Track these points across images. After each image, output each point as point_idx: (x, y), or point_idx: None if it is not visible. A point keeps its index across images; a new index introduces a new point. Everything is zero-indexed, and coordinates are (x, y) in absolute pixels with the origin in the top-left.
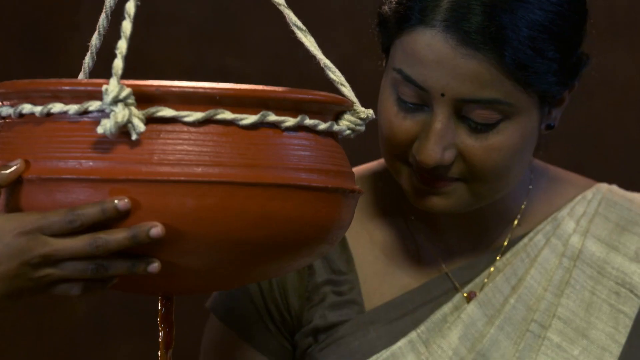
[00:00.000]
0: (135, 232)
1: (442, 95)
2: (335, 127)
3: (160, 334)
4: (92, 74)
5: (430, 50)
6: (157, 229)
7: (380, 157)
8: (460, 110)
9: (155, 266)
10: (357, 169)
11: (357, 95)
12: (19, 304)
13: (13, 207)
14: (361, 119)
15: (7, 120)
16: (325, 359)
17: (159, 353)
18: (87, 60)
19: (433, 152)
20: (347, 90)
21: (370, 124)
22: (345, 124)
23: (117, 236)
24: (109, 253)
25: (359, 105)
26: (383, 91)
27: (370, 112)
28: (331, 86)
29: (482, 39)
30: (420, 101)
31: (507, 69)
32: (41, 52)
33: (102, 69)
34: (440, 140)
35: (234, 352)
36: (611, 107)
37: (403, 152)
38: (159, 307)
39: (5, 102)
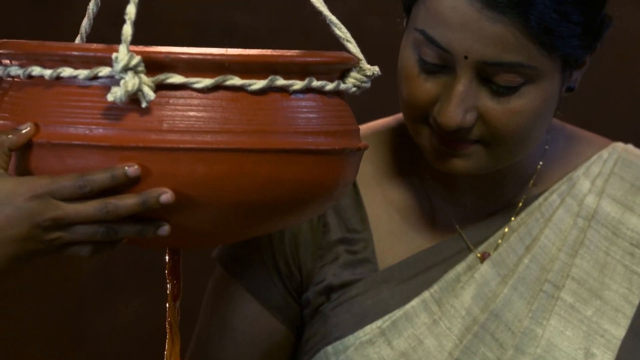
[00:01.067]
0: (145, 198)
1: (465, 57)
2: (342, 86)
3: (168, 286)
4: (101, 27)
5: (455, 12)
6: (167, 195)
7: (393, 113)
8: (483, 73)
9: (165, 229)
10: (373, 125)
11: (362, 52)
12: (29, 265)
13: (23, 170)
14: (367, 76)
15: (15, 80)
16: (338, 318)
17: (167, 305)
18: (85, 25)
19: (454, 114)
20: (352, 47)
21: (376, 79)
22: (351, 81)
23: (127, 202)
24: (119, 218)
25: (365, 63)
26: (403, 51)
27: (376, 69)
28: (337, 42)
29: (508, 2)
30: (442, 62)
31: (531, 33)
32: (46, 4)
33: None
34: (461, 103)
35: (236, 301)
36: (618, 62)
37: (423, 114)
38: (167, 260)
39: (14, 62)
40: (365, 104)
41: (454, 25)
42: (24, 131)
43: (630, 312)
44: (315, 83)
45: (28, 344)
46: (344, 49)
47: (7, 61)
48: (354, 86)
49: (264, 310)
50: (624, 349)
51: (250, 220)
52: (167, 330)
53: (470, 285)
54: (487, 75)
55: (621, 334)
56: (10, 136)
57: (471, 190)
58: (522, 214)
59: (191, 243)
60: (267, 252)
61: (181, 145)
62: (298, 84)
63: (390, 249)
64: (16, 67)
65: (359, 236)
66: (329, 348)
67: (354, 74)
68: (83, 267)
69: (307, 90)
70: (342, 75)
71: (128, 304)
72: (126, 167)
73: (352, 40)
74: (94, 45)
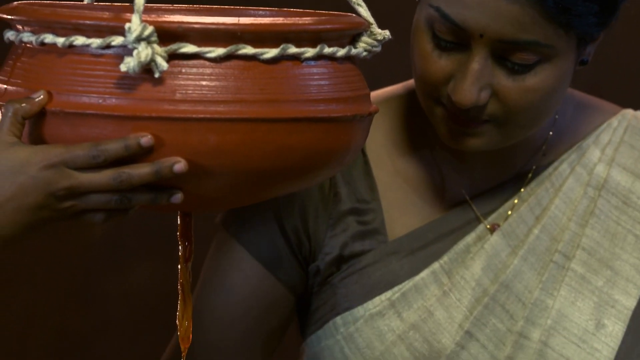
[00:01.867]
0: (159, 167)
1: (481, 36)
2: (353, 51)
3: (180, 248)
4: None
5: None
6: (180, 165)
7: (402, 79)
8: (498, 51)
9: (177, 197)
10: (382, 92)
11: (373, 16)
12: (43, 232)
13: (37, 138)
14: (378, 40)
15: (28, 46)
16: (347, 289)
17: (179, 267)
18: None
19: (469, 92)
20: (363, 11)
21: (387, 42)
22: (362, 46)
23: (140, 171)
24: (133, 187)
25: (376, 27)
26: (417, 27)
27: (386, 33)
28: (347, 6)
29: None
30: (457, 40)
31: (549, 12)
32: None
33: None
34: (477, 81)
35: (239, 264)
36: (628, 27)
37: (437, 91)
38: (178, 223)
39: (26, 28)
40: (374, 68)
41: (470, 3)
42: (37, 99)
43: None
44: (327, 50)
45: (38, 308)
46: (354, 11)
47: (20, 27)
48: (365, 51)
49: (265, 271)
50: (635, 319)
51: (261, 186)
52: (179, 292)
53: (480, 256)
54: (502, 53)
55: (632, 304)
56: (24, 105)
57: (481, 161)
58: (532, 184)
59: (203, 207)
60: (276, 218)
61: (194, 115)
62: (310, 52)
63: (400, 220)
64: (29, 34)
65: (368, 206)
66: (338, 319)
67: (365, 38)
68: (93, 231)
69: (319, 57)
70: (353, 40)
71: (137, 267)
72: (140, 137)
73: (362, 4)
74: (107, 14)
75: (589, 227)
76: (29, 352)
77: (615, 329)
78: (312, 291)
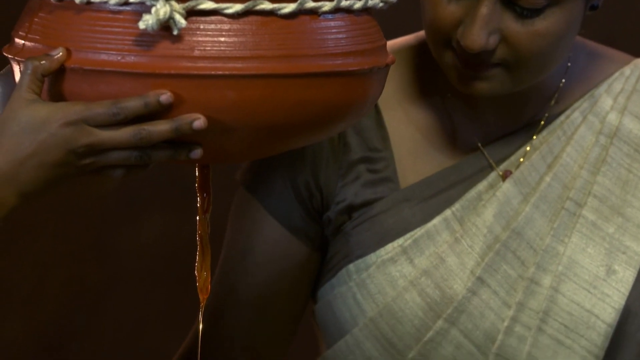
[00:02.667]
0: (178, 124)
1: None
2: (370, 3)
3: (198, 199)
4: None
5: None
6: (199, 121)
7: (415, 31)
8: None
9: (197, 152)
10: (394, 43)
11: None
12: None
13: (56, 95)
14: None
15: (45, 1)
16: (359, 236)
17: (198, 218)
18: None
19: (478, 37)
20: None
21: None
22: None
23: (160, 128)
24: (152, 144)
25: None
26: None
27: None
28: None
29: None
30: None
31: None
32: None
33: None
34: (485, 26)
35: (257, 221)
36: None
37: (447, 37)
38: (197, 175)
39: None
40: (386, 20)
41: None
42: (56, 57)
43: None
44: (344, 2)
45: (53, 259)
46: None
47: None
48: (381, 1)
49: (285, 231)
50: None
51: (280, 140)
52: (198, 243)
53: (492, 203)
54: None
55: None
56: (43, 62)
57: (493, 109)
58: (544, 132)
59: (221, 160)
60: (288, 175)
61: (212, 72)
62: (327, 5)
63: (412, 168)
64: None
65: (379, 155)
66: (351, 266)
67: None
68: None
69: (336, 10)
70: None
71: (151, 219)
72: (159, 95)
73: None
74: None
75: (601, 174)
76: (44, 302)
77: (625, 275)
78: (327, 240)
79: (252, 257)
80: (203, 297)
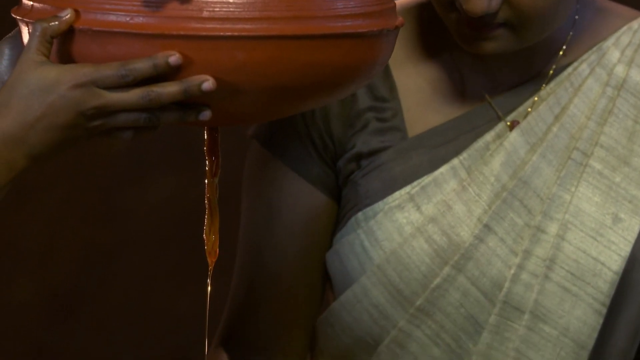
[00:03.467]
0: (187, 85)
1: None
2: None
3: (207, 163)
4: None
5: None
6: (208, 83)
7: None
8: None
9: (206, 114)
10: (402, 1)
11: None
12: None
13: (65, 57)
14: None
15: None
16: (368, 185)
17: (206, 181)
18: None
19: (480, 1)
20: None
21: None
22: None
23: (169, 89)
24: (161, 105)
25: None
26: None
27: None
28: None
29: None
30: None
31: None
32: None
33: None
34: None
35: (276, 178)
36: None
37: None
38: (205, 138)
39: None
40: None
41: None
42: (64, 18)
43: None
44: None
45: (63, 220)
46: None
47: None
48: None
49: (305, 183)
50: None
51: (289, 102)
52: (207, 207)
53: (499, 153)
54: None
55: None
56: (51, 23)
57: (500, 61)
58: (552, 84)
59: (230, 123)
60: (300, 127)
61: (221, 33)
62: None
63: (420, 118)
64: None
65: (387, 105)
66: (360, 214)
67: None
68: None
69: None
70: None
71: (160, 181)
72: (168, 56)
73: None
74: None
75: (608, 125)
76: (55, 264)
77: (632, 223)
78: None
79: (277, 216)
80: (211, 261)
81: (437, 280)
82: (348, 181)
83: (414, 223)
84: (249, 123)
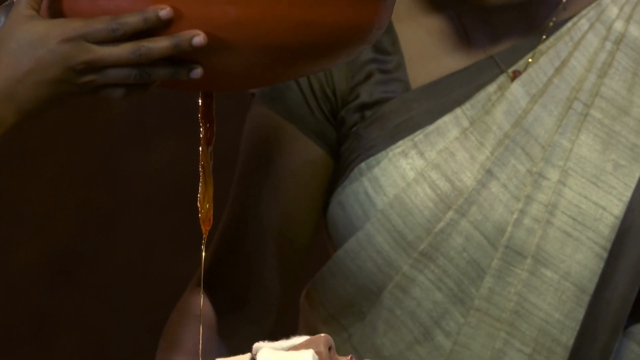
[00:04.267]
0: (178, 40)
1: None
2: None
3: (201, 130)
4: None
5: None
6: (199, 38)
7: None
8: None
9: (197, 72)
10: None
11: None
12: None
13: (55, 12)
14: None
15: None
16: (371, 135)
17: (200, 149)
18: None
19: None
20: None
21: None
22: None
23: (160, 44)
24: (152, 61)
25: None
26: None
27: None
28: None
29: None
30: None
31: None
32: None
33: None
34: None
35: (277, 133)
36: None
37: None
38: (199, 104)
39: None
40: None
41: None
42: None
43: None
44: None
45: (63, 184)
46: None
47: None
48: None
49: (302, 135)
50: None
51: (283, 64)
52: (201, 174)
53: (500, 103)
54: None
55: None
56: None
57: (502, 15)
58: (552, 38)
59: (224, 86)
60: (303, 81)
61: None
62: None
63: (422, 70)
64: None
65: (390, 57)
66: (363, 165)
67: None
68: (116, 110)
69: None
70: None
71: (161, 146)
72: (158, 10)
73: None
74: None
75: (608, 77)
76: (56, 227)
77: (632, 169)
78: (340, 144)
79: (271, 164)
80: (205, 229)
81: (441, 225)
82: (350, 133)
83: (417, 169)
84: (243, 88)
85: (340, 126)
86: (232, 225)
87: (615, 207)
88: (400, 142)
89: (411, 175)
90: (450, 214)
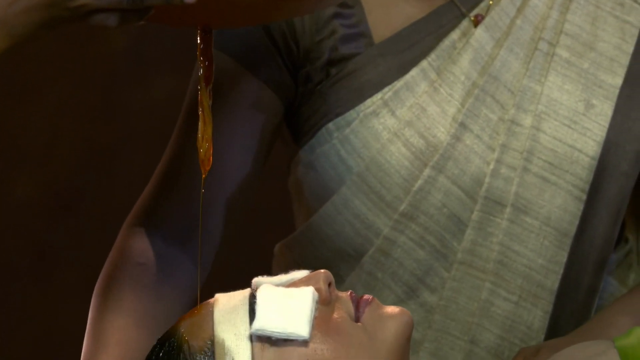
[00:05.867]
0: None
1: None
2: None
3: (200, 68)
4: None
5: None
6: None
7: None
8: None
9: None
10: None
11: None
12: (54, 32)
13: None
14: None
15: None
16: (337, 94)
17: (199, 87)
18: None
19: None
20: None
21: None
22: None
23: None
24: None
25: None
26: None
27: None
28: None
29: None
30: None
31: None
32: None
33: None
34: None
35: (237, 83)
36: None
37: None
38: (198, 42)
39: None
40: None
41: None
42: None
43: (625, 60)
44: None
45: (63, 119)
46: None
47: None
48: None
49: (255, 79)
50: (622, 97)
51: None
52: (199, 113)
53: (466, 50)
54: None
55: (618, 83)
56: None
57: None
58: None
59: (222, 21)
60: (264, 28)
61: None
62: None
63: (384, 22)
64: None
65: (351, 11)
66: (331, 125)
67: None
68: (116, 45)
69: None
70: None
71: (161, 81)
72: None
73: None
74: None
75: (570, 12)
76: (56, 161)
77: (604, 108)
78: (301, 101)
79: (222, 107)
80: (205, 169)
81: (419, 183)
82: (315, 91)
83: (390, 128)
84: (240, 24)
85: (305, 83)
86: (173, 162)
87: (591, 148)
88: (369, 101)
89: (385, 136)
90: (427, 171)
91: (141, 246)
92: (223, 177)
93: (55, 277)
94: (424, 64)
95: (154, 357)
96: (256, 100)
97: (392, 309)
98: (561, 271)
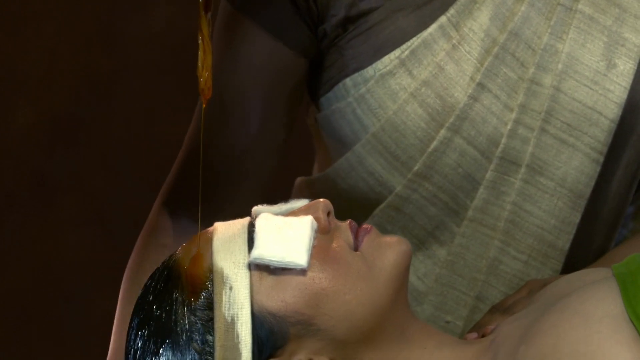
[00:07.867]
0: None
1: None
2: None
3: None
4: None
5: None
6: None
7: None
8: None
9: None
10: None
11: None
12: None
13: None
14: None
15: None
16: (355, 49)
17: (199, 16)
18: None
19: None
20: None
21: None
22: None
23: None
24: None
25: None
26: None
27: None
28: None
29: None
30: None
31: None
32: None
33: None
34: None
35: (252, 37)
36: None
37: None
38: None
39: None
40: None
41: None
42: None
43: None
44: None
45: (61, 49)
46: None
47: None
48: None
49: (275, 41)
50: None
51: None
52: (199, 42)
53: (486, 5)
54: None
55: None
56: None
57: None
58: None
59: None
60: None
61: None
62: None
63: None
64: None
65: None
66: (348, 80)
67: None
68: None
69: None
70: None
71: (161, 10)
72: None
73: None
74: None
75: None
76: (54, 90)
77: (626, 68)
78: (321, 56)
79: (245, 63)
80: (205, 98)
81: (434, 144)
82: (332, 45)
83: (407, 88)
84: None
85: (322, 38)
86: (195, 143)
87: (611, 111)
88: (386, 59)
89: (401, 96)
90: (442, 132)
91: (166, 225)
92: (247, 139)
93: (55, 203)
94: (442, 19)
95: (153, 284)
96: (281, 65)
97: (390, 238)
98: (573, 232)
